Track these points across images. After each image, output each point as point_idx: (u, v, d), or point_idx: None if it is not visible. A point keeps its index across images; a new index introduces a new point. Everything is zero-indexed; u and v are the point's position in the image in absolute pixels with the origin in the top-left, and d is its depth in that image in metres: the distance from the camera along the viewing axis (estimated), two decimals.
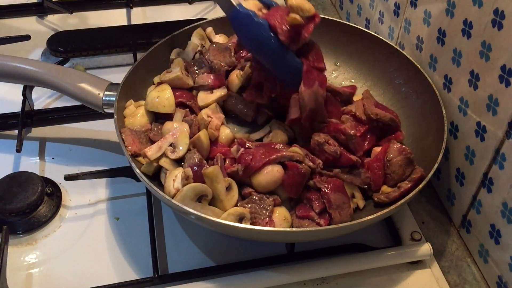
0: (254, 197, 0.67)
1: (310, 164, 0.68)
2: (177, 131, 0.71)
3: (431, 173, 0.67)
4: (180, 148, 0.70)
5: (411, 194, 0.66)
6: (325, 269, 0.70)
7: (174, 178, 0.67)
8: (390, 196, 0.68)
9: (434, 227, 0.78)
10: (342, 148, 0.70)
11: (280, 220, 0.67)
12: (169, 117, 0.75)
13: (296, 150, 0.69)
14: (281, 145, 0.71)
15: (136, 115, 0.75)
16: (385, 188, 0.71)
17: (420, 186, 0.66)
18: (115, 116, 0.73)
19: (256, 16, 0.68)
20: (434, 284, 0.71)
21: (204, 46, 0.86)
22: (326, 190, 0.67)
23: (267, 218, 0.66)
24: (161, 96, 0.75)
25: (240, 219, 0.65)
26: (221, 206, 0.66)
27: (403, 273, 0.72)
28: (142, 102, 0.78)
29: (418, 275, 0.72)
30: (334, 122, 0.73)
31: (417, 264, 0.73)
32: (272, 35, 0.68)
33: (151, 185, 0.65)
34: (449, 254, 0.74)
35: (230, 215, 0.65)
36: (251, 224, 0.66)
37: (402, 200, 0.65)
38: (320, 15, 0.93)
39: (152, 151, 0.70)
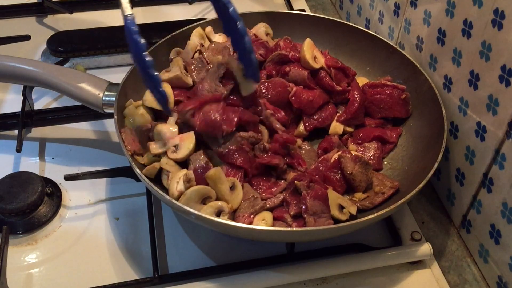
0: (254, 195, 0.68)
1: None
2: (186, 135, 0.71)
3: (431, 173, 0.67)
4: (182, 150, 0.70)
5: (411, 194, 0.66)
6: (325, 269, 0.70)
7: (177, 180, 0.67)
8: (375, 202, 0.69)
9: (434, 227, 0.78)
10: None
11: (258, 220, 0.67)
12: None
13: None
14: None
15: (136, 115, 0.75)
16: (359, 195, 0.71)
17: (420, 185, 0.66)
18: (115, 116, 0.73)
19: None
20: (434, 284, 0.71)
21: (203, 46, 0.86)
22: (306, 195, 0.67)
23: (245, 215, 0.67)
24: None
25: (218, 213, 0.66)
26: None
27: (403, 273, 0.72)
28: (141, 102, 0.78)
29: (418, 275, 0.72)
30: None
31: (417, 264, 0.73)
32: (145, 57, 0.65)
33: (151, 185, 0.65)
34: (449, 254, 0.74)
35: (209, 207, 0.65)
36: (229, 219, 0.66)
37: (402, 200, 0.65)
38: (320, 15, 0.94)
39: (156, 145, 0.70)
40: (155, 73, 0.66)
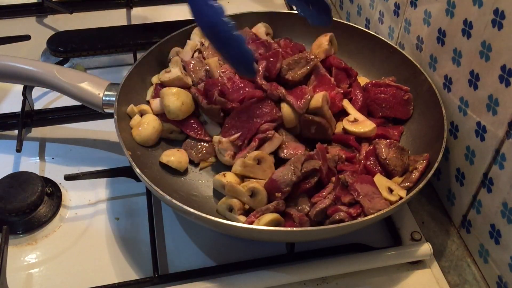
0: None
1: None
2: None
3: (431, 173, 0.67)
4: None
5: (411, 194, 0.66)
6: (325, 269, 0.70)
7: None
8: (413, 180, 0.70)
9: (434, 227, 0.78)
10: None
11: (265, 221, 0.67)
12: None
13: None
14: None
15: (143, 124, 0.76)
16: (397, 180, 0.71)
17: (420, 185, 0.66)
18: (115, 116, 0.73)
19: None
20: (434, 284, 0.71)
21: (203, 45, 0.86)
22: (353, 182, 0.67)
23: (252, 214, 0.68)
24: (185, 102, 0.76)
25: (230, 209, 0.69)
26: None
27: (403, 273, 0.72)
28: (143, 106, 0.78)
29: (418, 275, 0.72)
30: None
31: (417, 264, 0.73)
32: (225, 20, 0.64)
33: (151, 185, 0.65)
34: (449, 254, 0.74)
35: (222, 204, 0.69)
36: (241, 215, 0.68)
37: (402, 200, 0.65)
38: None
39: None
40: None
